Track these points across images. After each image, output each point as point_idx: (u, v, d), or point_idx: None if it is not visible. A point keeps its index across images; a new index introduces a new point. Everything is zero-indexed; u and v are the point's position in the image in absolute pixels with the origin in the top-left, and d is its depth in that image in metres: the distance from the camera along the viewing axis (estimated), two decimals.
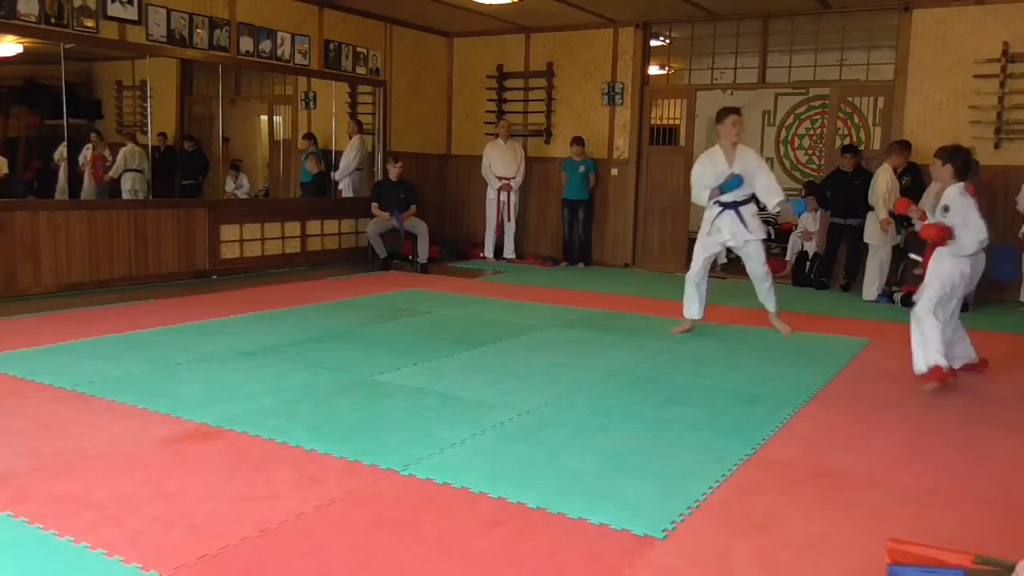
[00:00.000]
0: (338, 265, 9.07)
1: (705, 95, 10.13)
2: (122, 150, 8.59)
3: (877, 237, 7.68)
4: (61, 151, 8.11)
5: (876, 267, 7.76)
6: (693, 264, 5.92)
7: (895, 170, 7.53)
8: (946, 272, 4.45)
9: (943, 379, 4.41)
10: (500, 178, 10.01)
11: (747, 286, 8.83)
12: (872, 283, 7.77)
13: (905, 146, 7.71)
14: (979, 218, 4.37)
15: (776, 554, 2.53)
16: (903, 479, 3.20)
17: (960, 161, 4.52)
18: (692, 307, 5.91)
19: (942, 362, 4.38)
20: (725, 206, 5.73)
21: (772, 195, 5.69)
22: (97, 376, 4.31)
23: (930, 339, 4.41)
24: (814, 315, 6.89)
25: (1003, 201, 7.73)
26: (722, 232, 5.76)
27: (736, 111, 5.78)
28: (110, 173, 8.48)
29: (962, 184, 4.48)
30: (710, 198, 5.72)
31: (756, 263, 5.85)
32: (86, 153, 8.41)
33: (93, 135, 8.59)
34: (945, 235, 4.39)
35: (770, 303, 5.98)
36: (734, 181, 5.65)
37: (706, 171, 5.74)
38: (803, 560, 2.50)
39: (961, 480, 3.15)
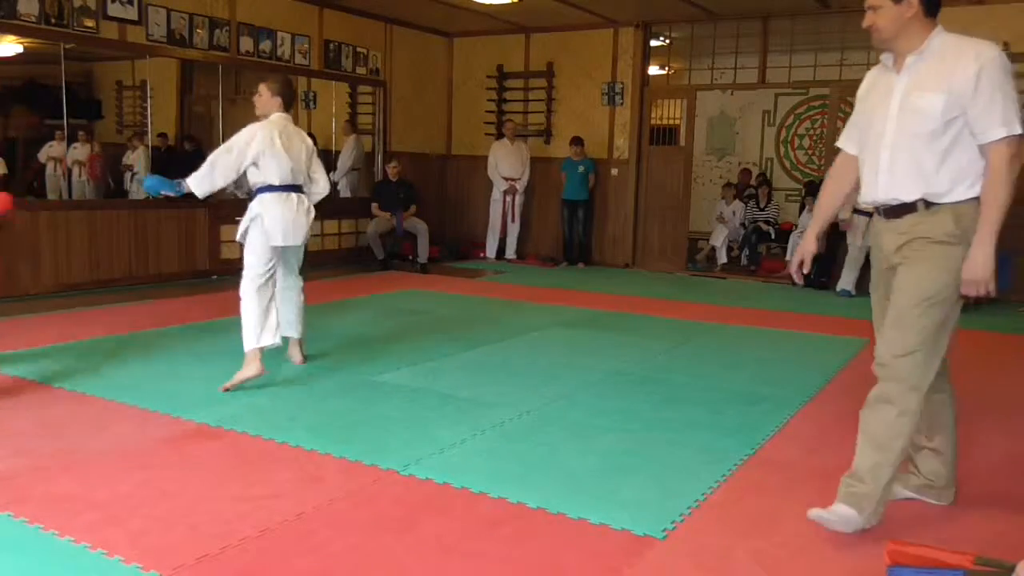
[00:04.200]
0: (338, 265, 9.07)
1: (705, 95, 10.12)
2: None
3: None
4: (46, 151, 8.10)
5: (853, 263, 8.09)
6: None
7: None
8: None
9: None
10: (506, 179, 9.99)
11: (746, 286, 8.78)
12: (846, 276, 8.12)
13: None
14: None
15: (776, 554, 2.53)
16: None
17: None
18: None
19: None
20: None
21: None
22: (97, 376, 4.31)
23: None
24: (814, 315, 6.89)
25: None
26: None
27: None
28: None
29: None
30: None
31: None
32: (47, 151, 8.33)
33: (58, 133, 8.19)
34: None
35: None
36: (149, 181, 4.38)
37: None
38: (803, 560, 2.50)
39: (961, 480, 3.15)
